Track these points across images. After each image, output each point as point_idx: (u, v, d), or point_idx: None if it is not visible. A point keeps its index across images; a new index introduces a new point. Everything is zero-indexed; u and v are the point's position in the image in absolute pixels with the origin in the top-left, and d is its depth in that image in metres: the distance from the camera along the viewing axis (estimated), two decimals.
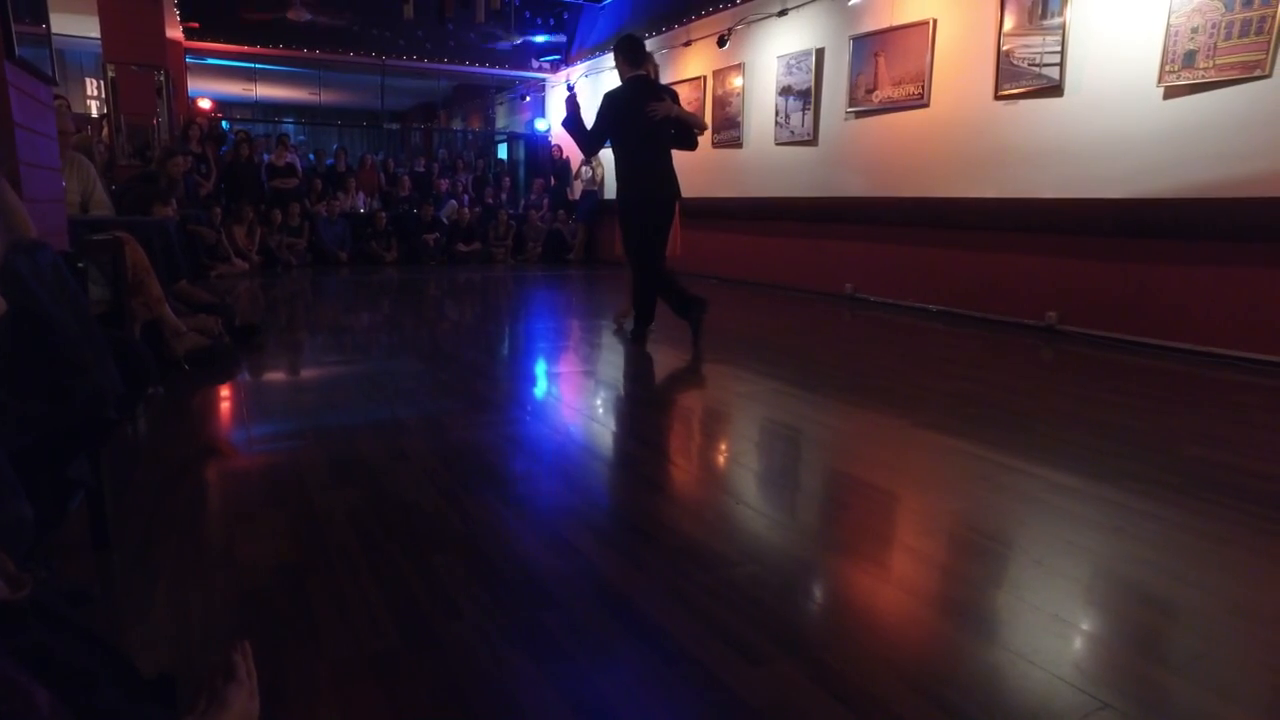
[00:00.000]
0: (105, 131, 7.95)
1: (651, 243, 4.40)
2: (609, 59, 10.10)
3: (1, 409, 0.99)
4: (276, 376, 3.73)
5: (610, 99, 4.41)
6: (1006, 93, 5.24)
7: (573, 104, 4.69)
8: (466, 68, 11.56)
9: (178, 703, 1.02)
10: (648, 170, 4.38)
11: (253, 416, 2.89)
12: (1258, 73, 3.97)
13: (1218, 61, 4.11)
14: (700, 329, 4.35)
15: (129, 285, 3.07)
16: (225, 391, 3.34)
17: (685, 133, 4.45)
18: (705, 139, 8.39)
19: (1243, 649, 1.40)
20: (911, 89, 5.96)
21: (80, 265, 1.52)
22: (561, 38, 11.29)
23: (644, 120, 4.24)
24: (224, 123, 11.40)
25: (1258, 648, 1.41)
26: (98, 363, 1.16)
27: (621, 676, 1.28)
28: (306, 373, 3.81)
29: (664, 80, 8.99)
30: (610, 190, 10.55)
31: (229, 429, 2.81)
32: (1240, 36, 4.01)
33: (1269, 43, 3.91)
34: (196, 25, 9.76)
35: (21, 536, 0.94)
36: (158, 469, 2.29)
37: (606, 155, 10.46)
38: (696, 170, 8.70)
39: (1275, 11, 3.88)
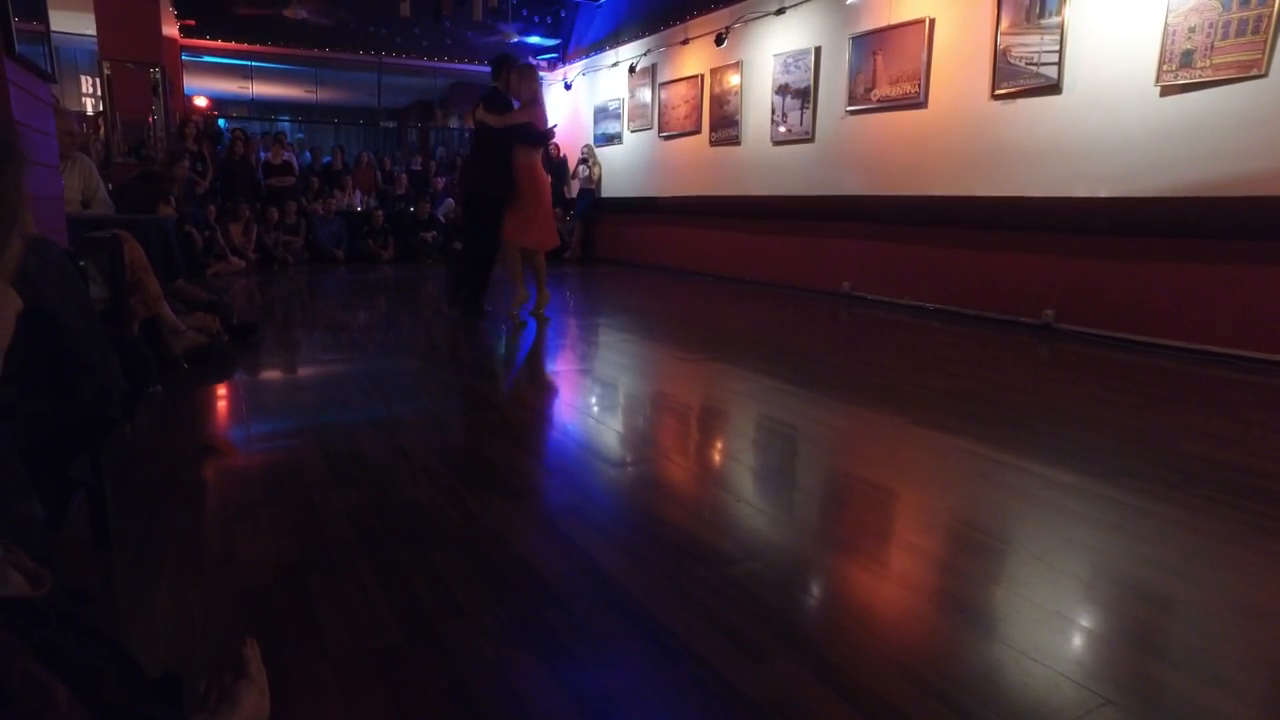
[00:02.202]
0: (101, 129, 7.92)
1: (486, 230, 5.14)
2: (606, 56, 10.22)
3: (10, 408, 0.99)
4: (275, 375, 3.72)
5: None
6: (1003, 92, 5.25)
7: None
8: (464, 65, 11.54)
9: (183, 702, 1.03)
10: (477, 168, 5.22)
11: (251, 415, 2.89)
12: (1254, 72, 3.98)
13: (1215, 61, 4.12)
14: (456, 305, 5.32)
15: (127, 283, 3.06)
16: (224, 390, 3.34)
17: (532, 136, 5.08)
18: (703, 137, 8.49)
19: (1242, 644, 1.41)
20: (908, 88, 5.97)
21: (81, 263, 1.52)
22: (559, 36, 11.28)
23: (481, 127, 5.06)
24: (220, 121, 11.37)
25: (1257, 643, 1.42)
26: (103, 360, 1.16)
27: (625, 673, 1.28)
28: (304, 371, 3.80)
29: (662, 79, 9.02)
30: (607, 190, 10.57)
31: (228, 427, 2.80)
32: (1237, 36, 4.02)
33: (1265, 42, 3.92)
34: (193, 23, 9.73)
35: (32, 535, 0.94)
36: (157, 468, 2.29)
37: (604, 154, 10.57)
38: (694, 168, 8.74)
39: (1272, 11, 3.89)
